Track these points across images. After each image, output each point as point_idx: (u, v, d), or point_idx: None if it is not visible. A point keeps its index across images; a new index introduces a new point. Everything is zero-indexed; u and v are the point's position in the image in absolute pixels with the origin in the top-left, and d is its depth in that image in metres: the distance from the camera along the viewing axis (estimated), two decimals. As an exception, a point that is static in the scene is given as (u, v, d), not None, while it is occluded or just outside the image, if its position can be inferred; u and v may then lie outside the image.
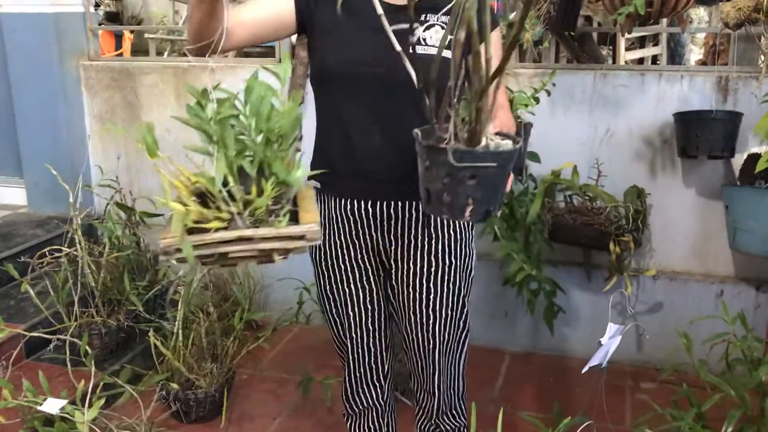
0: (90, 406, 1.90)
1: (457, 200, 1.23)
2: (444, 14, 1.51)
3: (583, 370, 1.33)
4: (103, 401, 1.94)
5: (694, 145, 2.54)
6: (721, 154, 2.54)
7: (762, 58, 2.76)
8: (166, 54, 4.98)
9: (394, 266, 1.65)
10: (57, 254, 2.64)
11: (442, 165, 1.20)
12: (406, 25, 1.41)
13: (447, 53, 1.51)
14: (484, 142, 1.22)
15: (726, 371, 2.03)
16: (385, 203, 1.57)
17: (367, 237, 1.61)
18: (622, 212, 2.64)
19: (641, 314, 2.90)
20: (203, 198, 1.02)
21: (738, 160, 2.60)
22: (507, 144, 1.22)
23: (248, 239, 0.96)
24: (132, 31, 5.34)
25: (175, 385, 2.39)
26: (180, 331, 2.49)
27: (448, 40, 1.46)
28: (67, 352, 2.30)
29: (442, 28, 1.50)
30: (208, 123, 1.00)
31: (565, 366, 2.94)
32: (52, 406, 1.86)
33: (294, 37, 1.66)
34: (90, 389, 1.99)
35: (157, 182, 3.33)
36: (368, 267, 1.66)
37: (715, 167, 2.70)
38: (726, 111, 2.58)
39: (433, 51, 1.47)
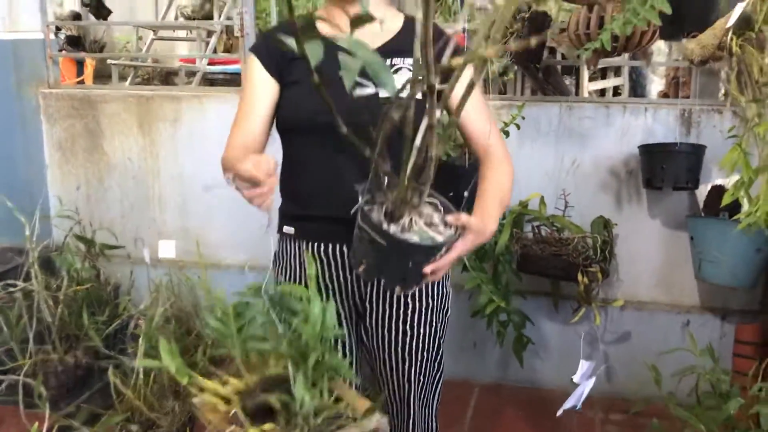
0: (45, 450, 1.82)
1: (356, 252, 1.32)
2: (409, 57, 1.51)
3: (558, 413, 1.31)
4: (58, 445, 1.86)
5: (659, 176, 2.57)
6: (686, 185, 2.56)
7: (722, 91, 2.82)
8: (129, 80, 4.91)
9: (368, 308, 1.61)
10: (11, 289, 2.55)
11: (356, 214, 1.27)
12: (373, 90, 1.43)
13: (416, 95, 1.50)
14: (405, 218, 1.24)
15: (696, 406, 2.02)
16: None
17: (341, 279, 1.58)
18: (590, 243, 2.65)
19: (610, 344, 2.90)
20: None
21: (702, 192, 2.63)
22: (413, 237, 1.24)
23: None
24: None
25: (134, 427, 2.31)
26: (141, 368, 2.41)
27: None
28: (20, 393, 2.21)
29: (410, 71, 1.50)
30: (290, 345, 1.05)
31: (535, 397, 2.92)
32: (5, 451, 1.77)
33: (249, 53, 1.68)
34: (45, 432, 1.91)
35: (117, 213, 3.27)
36: (341, 311, 1.62)
37: (679, 198, 2.73)
38: (689, 143, 2.61)
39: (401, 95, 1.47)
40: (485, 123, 1.57)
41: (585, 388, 1.33)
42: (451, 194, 2.27)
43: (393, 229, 1.24)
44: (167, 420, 2.38)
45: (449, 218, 1.33)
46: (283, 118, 1.55)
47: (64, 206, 3.03)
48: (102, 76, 5.25)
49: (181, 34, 6.01)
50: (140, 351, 2.41)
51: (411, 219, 1.25)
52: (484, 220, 1.44)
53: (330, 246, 1.56)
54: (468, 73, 1.57)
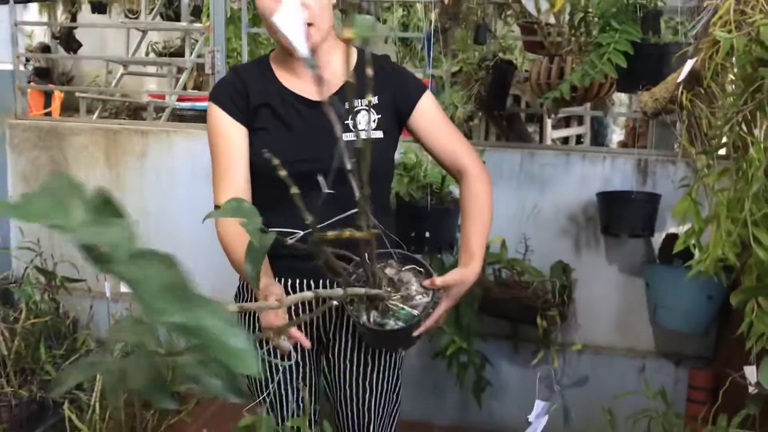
0: (-6, 486, 1.78)
1: (357, 329, 1.55)
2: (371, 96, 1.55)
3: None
4: (8, 480, 1.82)
5: (616, 223, 2.64)
6: (642, 233, 2.64)
7: (677, 143, 2.93)
8: (96, 113, 4.92)
9: (331, 339, 1.65)
10: (-33, 320, 2.51)
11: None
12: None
13: (378, 134, 1.55)
14: (382, 304, 1.39)
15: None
16: (328, 281, 1.56)
17: (307, 311, 1.60)
18: (549, 287, 2.70)
19: (567, 388, 2.93)
20: None
21: (657, 239, 2.71)
22: (389, 322, 1.39)
23: None
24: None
25: (88, 462, 2.27)
26: (97, 403, 2.38)
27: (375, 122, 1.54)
28: (-28, 426, 2.17)
29: (368, 111, 1.54)
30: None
31: (493, 440, 2.93)
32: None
33: (209, 102, 1.69)
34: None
35: (81, 245, 3.24)
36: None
37: (636, 245, 2.80)
38: (645, 192, 2.70)
39: (362, 135, 1.49)
40: (452, 142, 1.60)
41: (539, 427, 1.37)
42: (413, 234, 2.33)
43: (373, 319, 1.38)
44: (122, 457, 2.35)
45: (425, 283, 1.40)
46: (250, 163, 1.55)
47: (25, 238, 3.01)
48: (69, 108, 5.25)
49: (151, 69, 6.04)
50: (97, 386, 2.38)
51: (387, 304, 1.38)
52: (467, 265, 1.51)
53: (297, 281, 1.59)
54: (434, 107, 1.63)
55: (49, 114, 4.55)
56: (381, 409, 1.68)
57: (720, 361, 2.72)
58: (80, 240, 0.50)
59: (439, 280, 1.43)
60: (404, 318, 1.39)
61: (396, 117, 1.59)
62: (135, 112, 5.58)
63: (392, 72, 1.59)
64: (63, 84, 5.99)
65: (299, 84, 1.56)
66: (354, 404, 1.67)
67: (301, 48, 1.24)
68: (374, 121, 1.55)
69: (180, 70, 5.26)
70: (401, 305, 1.40)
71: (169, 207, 3.15)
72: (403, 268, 1.47)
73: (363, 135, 1.50)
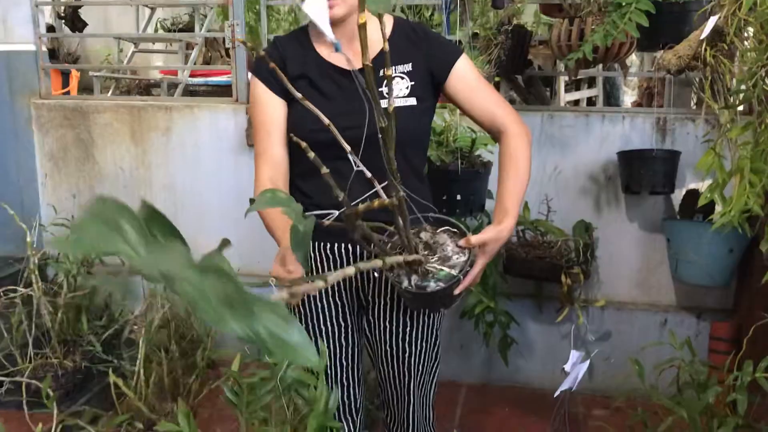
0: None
1: (398, 292, 1.60)
2: (401, 64, 1.59)
3: (555, 394, 1.42)
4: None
5: (637, 181, 2.69)
6: (662, 190, 2.69)
7: (694, 99, 2.97)
8: (110, 91, 4.95)
9: (371, 302, 1.70)
10: (12, 295, 2.59)
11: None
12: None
13: (411, 101, 1.59)
14: (421, 268, 1.45)
15: (677, 395, 2.14)
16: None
17: (349, 278, 1.66)
18: (572, 246, 2.77)
19: (591, 343, 3.01)
20: None
21: (677, 196, 2.76)
22: (430, 283, 1.44)
23: None
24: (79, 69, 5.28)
25: (140, 425, 2.36)
26: (141, 370, 2.46)
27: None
28: (24, 395, 2.26)
29: (402, 78, 1.59)
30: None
31: (520, 396, 3.02)
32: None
33: (251, 75, 1.74)
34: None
35: (110, 221, 3.31)
36: (345, 303, 1.71)
37: (656, 202, 2.86)
38: (665, 150, 2.74)
39: (396, 102, 1.54)
40: (491, 102, 1.63)
41: (580, 372, 1.45)
42: (444, 197, 2.39)
43: (414, 283, 1.44)
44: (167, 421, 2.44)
45: (461, 243, 1.45)
46: (288, 132, 1.60)
47: (58, 215, 3.07)
48: (80, 88, 5.27)
49: (159, 45, 6.05)
50: (141, 352, 2.47)
51: (426, 267, 1.44)
52: (501, 222, 1.52)
53: (336, 244, 1.65)
54: (470, 70, 1.66)
55: (68, 93, 4.59)
56: (421, 367, 1.75)
57: (741, 313, 2.79)
58: (141, 270, 0.54)
59: (474, 239, 1.47)
60: (444, 279, 1.44)
61: (431, 83, 1.62)
62: (146, 89, 5.60)
63: (426, 38, 1.62)
64: (69, 64, 6.01)
65: (335, 54, 1.60)
66: (395, 363, 1.73)
67: (329, 34, 1.30)
68: (407, 88, 1.58)
69: (189, 46, 5.27)
70: (440, 267, 1.46)
71: (195, 181, 3.21)
72: (438, 231, 1.53)
73: (389, 103, 1.54)
